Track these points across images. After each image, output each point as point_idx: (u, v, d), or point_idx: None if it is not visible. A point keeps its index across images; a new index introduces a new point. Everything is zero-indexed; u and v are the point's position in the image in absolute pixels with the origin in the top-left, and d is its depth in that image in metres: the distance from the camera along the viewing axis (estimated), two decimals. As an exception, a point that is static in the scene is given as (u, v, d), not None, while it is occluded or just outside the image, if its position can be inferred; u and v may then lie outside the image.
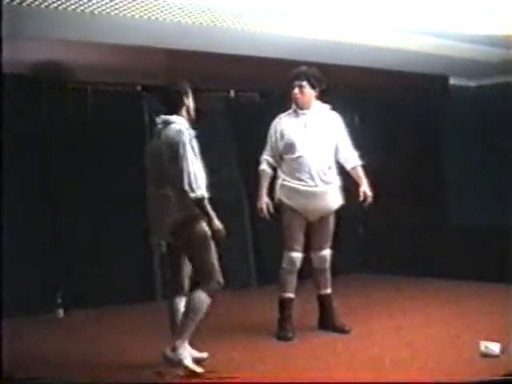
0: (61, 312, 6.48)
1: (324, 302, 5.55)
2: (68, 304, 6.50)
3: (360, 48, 6.02)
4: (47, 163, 6.54)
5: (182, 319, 4.43)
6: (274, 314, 5.42)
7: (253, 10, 5.04)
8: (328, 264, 5.50)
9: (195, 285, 4.48)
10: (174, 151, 4.32)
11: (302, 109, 5.36)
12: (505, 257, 6.83)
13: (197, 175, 4.28)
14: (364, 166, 5.48)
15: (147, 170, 4.61)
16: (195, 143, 4.36)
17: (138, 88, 7.08)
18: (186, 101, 4.55)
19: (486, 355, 4.54)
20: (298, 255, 5.37)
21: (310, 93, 5.32)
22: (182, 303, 4.54)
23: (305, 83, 5.28)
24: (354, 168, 5.46)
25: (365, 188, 5.40)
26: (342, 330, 5.42)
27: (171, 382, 4.36)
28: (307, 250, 5.47)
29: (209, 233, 4.38)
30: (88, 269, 6.61)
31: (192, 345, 4.52)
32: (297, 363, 4.69)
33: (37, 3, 4.40)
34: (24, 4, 4.36)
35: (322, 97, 5.41)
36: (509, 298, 6.11)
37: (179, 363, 4.35)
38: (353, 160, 5.46)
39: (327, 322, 5.52)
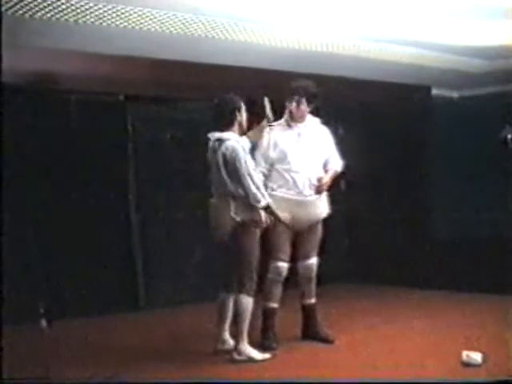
0: (43, 322, 6.42)
1: (308, 312, 5.56)
2: (51, 314, 6.46)
3: (343, 59, 6.04)
4: (30, 172, 6.50)
5: (236, 324, 5.00)
6: (257, 323, 5.41)
7: (238, 21, 5.05)
8: (314, 273, 5.51)
9: (237, 287, 5.00)
10: (231, 168, 4.89)
11: (295, 122, 5.40)
12: (486, 268, 6.87)
13: (258, 187, 4.95)
14: (347, 177, 5.49)
15: (211, 182, 5.11)
16: (249, 158, 4.96)
17: (121, 97, 7.07)
18: (238, 116, 5.00)
19: (467, 364, 4.55)
20: (284, 265, 5.37)
21: (305, 108, 5.37)
22: (231, 299, 5.11)
23: (303, 99, 5.32)
24: (330, 169, 5.49)
25: (326, 179, 5.41)
26: (325, 340, 5.43)
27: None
28: (293, 260, 5.47)
29: (257, 238, 4.99)
30: (71, 279, 6.58)
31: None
32: (280, 373, 4.68)
33: (21, 12, 4.38)
34: (8, 13, 4.34)
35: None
36: (491, 308, 6.15)
37: (250, 360, 4.92)
38: (334, 164, 5.51)
39: (311, 331, 5.52)
